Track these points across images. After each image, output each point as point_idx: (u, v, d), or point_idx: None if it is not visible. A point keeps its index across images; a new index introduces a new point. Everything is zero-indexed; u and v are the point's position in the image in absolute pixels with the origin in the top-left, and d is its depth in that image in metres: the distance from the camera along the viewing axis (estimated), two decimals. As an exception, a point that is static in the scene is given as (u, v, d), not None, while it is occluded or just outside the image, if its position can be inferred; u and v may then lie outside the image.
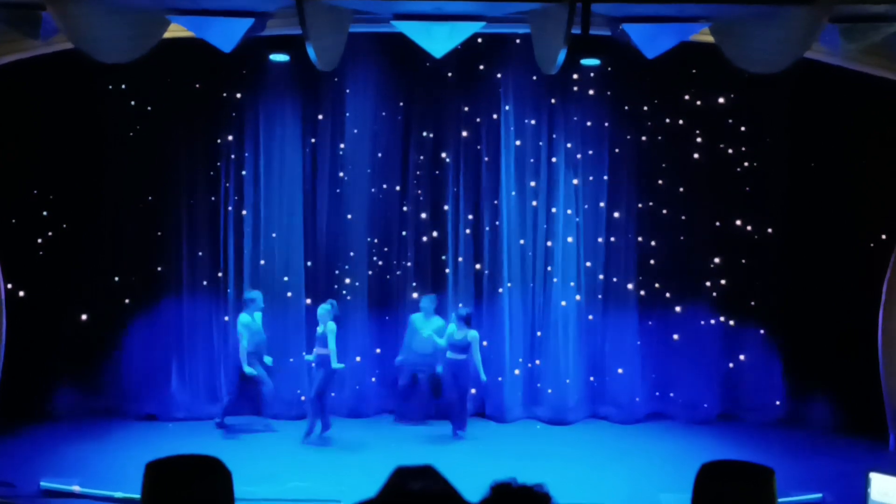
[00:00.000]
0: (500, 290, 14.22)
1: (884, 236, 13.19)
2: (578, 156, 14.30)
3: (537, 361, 14.31)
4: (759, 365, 14.26)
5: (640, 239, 14.34)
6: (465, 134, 14.27)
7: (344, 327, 13.64)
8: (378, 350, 14.21)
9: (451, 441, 12.99)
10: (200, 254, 14.18)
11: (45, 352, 13.45)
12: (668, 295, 14.32)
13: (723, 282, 14.26)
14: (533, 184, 14.32)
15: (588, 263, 14.34)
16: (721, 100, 14.02)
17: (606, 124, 14.24)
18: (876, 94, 11.77)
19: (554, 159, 14.32)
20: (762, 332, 14.23)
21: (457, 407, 13.22)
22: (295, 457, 12.44)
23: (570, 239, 14.30)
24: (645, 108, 14.16)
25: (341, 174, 14.21)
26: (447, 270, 14.29)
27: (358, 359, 13.81)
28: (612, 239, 14.38)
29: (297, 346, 14.03)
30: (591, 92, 14.17)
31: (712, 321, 14.26)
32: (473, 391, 13.76)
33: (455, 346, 13.01)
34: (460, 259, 14.29)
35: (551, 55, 8.86)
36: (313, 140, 14.28)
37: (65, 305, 13.79)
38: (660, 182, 14.30)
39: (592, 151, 14.31)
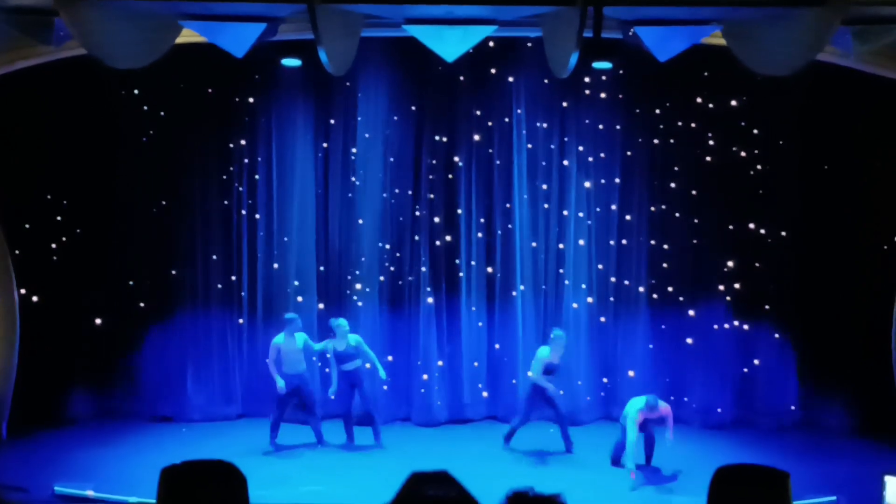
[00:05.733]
0: (513, 292, 14.21)
1: (897, 238, 13.16)
2: (590, 159, 14.29)
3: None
4: (774, 369, 14.18)
5: (652, 242, 14.30)
6: (477, 138, 14.27)
7: (357, 332, 13.65)
8: (390, 358, 14.14)
9: (464, 444, 12.90)
10: (214, 257, 14.25)
11: (59, 356, 13.52)
12: (681, 298, 14.26)
13: (736, 285, 14.18)
14: (545, 187, 14.32)
15: (600, 266, 14.33)
16: (733, 102, 13.96)
17: (618, 127, 14.23)
18: (888, 95, 11.70)
19: (566, 162, 14.32)
20: (776, 335, 14.16)
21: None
22: (309, 461, 12.44)
23: (581, 242, 14.28)
24: (657, 111, 14.13)
25: (353, 178, 14.24)
26: (461, 274, 14.29)
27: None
28: (624, 242, 14.36)
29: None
30: (602, 95, 14.16)
31: (726, 325, 14.19)
32: None
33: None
34: (473, 262, 14.29)
35: (563, 59, 8.84)
36: (325, 144, 14.31)
37: (79, 310, 13.87)
38: (672, 185, 14.26)
39: (604, 154, 14.30)
